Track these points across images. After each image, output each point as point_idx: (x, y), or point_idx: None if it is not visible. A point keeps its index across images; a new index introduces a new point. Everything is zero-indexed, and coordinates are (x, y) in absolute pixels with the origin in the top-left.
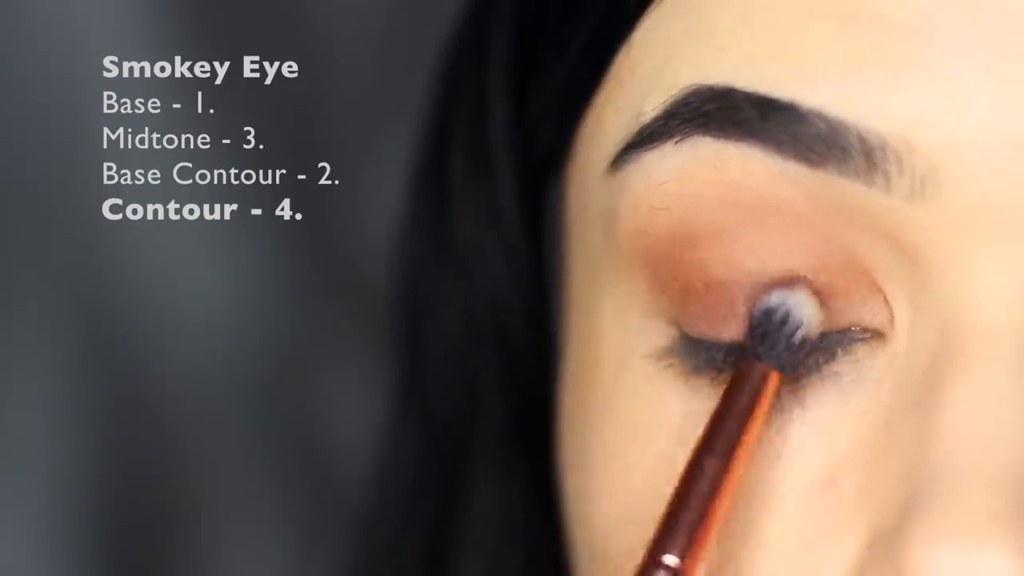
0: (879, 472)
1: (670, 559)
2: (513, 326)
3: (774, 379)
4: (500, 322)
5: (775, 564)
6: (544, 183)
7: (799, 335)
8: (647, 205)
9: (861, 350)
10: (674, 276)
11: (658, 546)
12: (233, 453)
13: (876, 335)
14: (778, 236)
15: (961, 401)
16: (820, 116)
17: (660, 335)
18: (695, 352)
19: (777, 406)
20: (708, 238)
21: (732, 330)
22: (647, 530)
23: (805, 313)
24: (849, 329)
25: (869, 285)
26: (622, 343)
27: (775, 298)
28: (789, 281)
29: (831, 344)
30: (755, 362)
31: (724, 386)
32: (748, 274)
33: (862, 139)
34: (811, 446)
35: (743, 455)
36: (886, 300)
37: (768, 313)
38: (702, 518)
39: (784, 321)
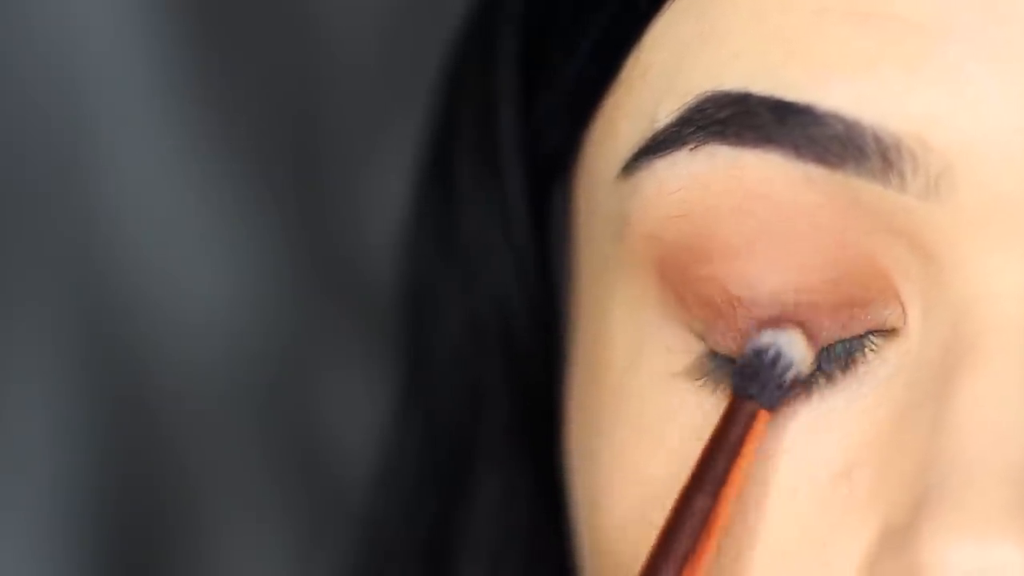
0: (892, 466)
1: None
2: (518, 327)
3: (762, 418)
4: (505, 322)
5: (787, 558)
6: (551, 184)
7: (789, 375)
8: (660, 212)
9: (875, 345)
10: (689, 287)
11: None
12: (233, 453)
13: (890, 331)
14: (795, 247)
15: (974, 396)
16: (837, 117)
17: (674, 338)
18: (710, 366)
19: (791, 399)
20: (722, 252)
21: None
22: (657, 533)
23: (795, 353)
24: (859, 318)
25: (884, 286)
26: (632, 345)
27: (766, 338)
28: (779, 320)
29: (844, 336)
30: (745, 401)
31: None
32: (768, 292)
33: (878, 139)
34: (823, 440)
35: (730, 493)
36: (899, 297)
37: (759, 353)
38: (689, 555)
39: (775, 361)
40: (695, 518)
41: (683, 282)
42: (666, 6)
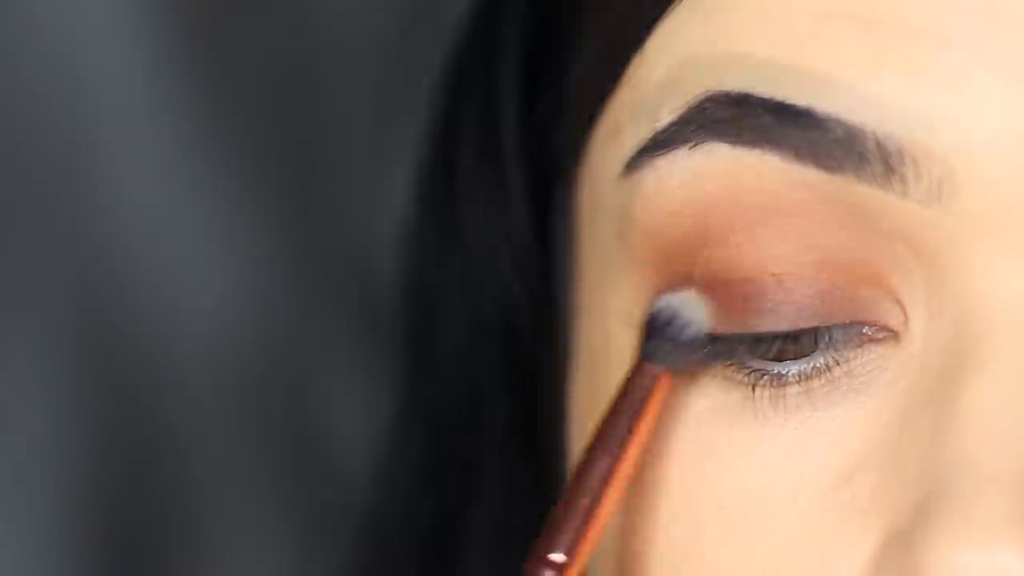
0: (894, 472)
1: (556, 556)
2: (520, 325)
3: (664, 379)
4: (508, 321)
5: (789, 563)
6: (554, 183)
7: (687, 334)
8: (661, 209)
9: (874, 351)
10: (687, 274)
11: (546, 544)
12: (233, 452)
13: (889, 336)
14: (790, 236)
15: (977, 400)
16: (837, 121)
17: None
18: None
19: (790, 406)
20: (720, 238)
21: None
22: (662, 529)
23: (691, 312)
24: (857, 324)
25: (881, 287)
26: (631, 344)
27: (662, 300)
28: (679, 284)
29: (841, 343)
30: (645, 362)
31: (728, 384)
32: (749, 268)
33: (879, 144)
34: (825, 446)
35: (632, 453)
36: (899, 302)
37: (655, 315)
38: (589, 515)
39: (670, 321)
40: (598, 476)
41: (680, 270)
42: (672, 8)
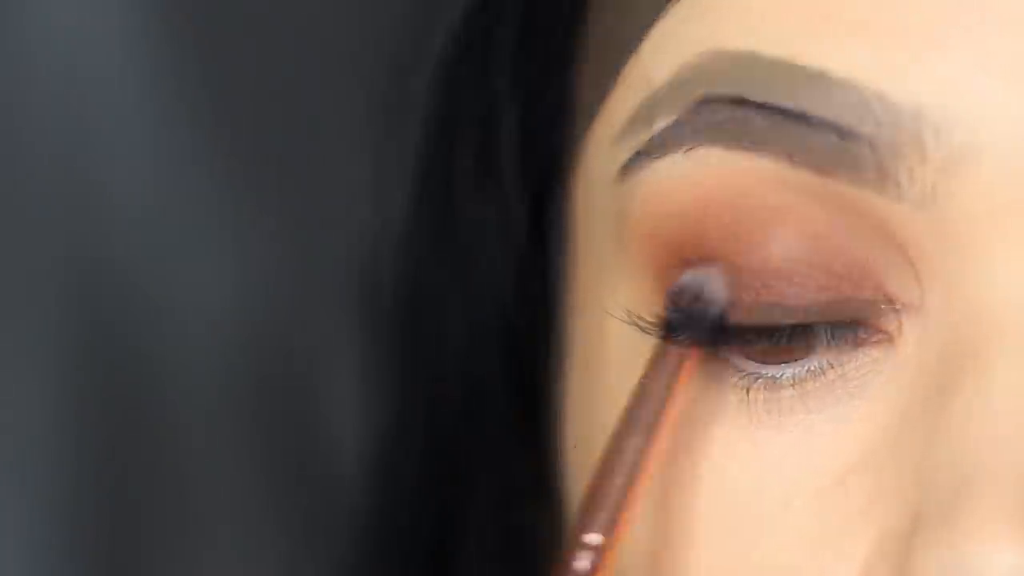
0: (890, 474)
1: (592, 538)
2: (517, 326)
3: (692, 356)
4: (506, 321)
5: (785, 566)
6: (550, 185)
7: (712, 311)
8: (657, 212)
9: (868, 354)
10: (681, 274)
11: (581, 526)
12: (230, 454)
13: (884, 339)
14: (785, 239)
15: (979, 400)
16: (832, 125)
17: None
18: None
19: (784, 409)
20: (716, 241)
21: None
22: (655, 533)
23: (717, 289)
24: (852, 327)
25: (876, 289)
26: (630, 345)
27: (687, 277)
28: (704, 261)
29: (836, 345)
30: (673, 341)
31: (722, 387)
32: (751, 271)
33: (873, 147)
34: (820, 448)
35: (662, 434)
36: (894, 305)
37: (681, 293)
38: (623, 497)
39: (697, 299)
40: (631, 456)
41: (676, 270)
42: (667, 10)
